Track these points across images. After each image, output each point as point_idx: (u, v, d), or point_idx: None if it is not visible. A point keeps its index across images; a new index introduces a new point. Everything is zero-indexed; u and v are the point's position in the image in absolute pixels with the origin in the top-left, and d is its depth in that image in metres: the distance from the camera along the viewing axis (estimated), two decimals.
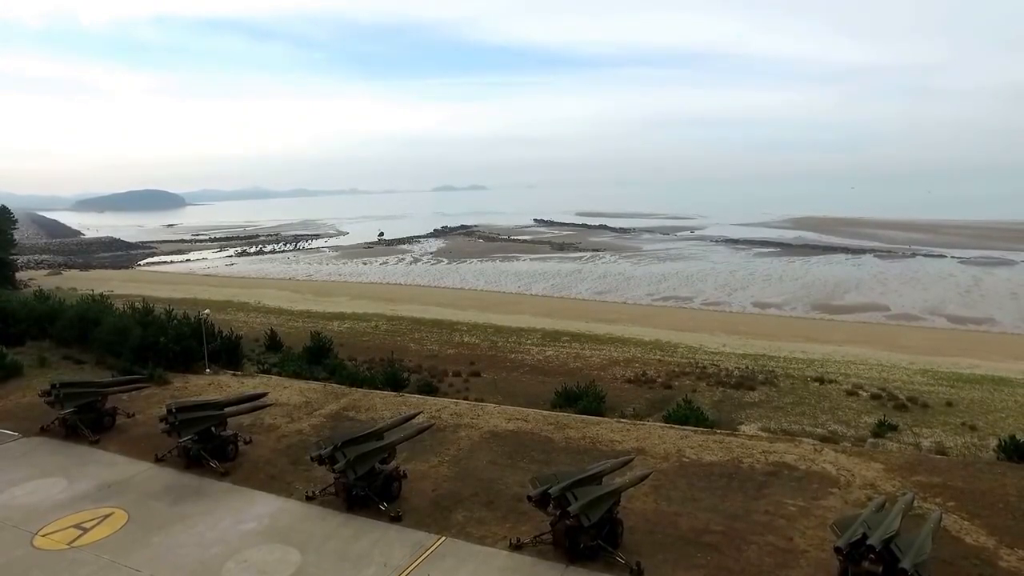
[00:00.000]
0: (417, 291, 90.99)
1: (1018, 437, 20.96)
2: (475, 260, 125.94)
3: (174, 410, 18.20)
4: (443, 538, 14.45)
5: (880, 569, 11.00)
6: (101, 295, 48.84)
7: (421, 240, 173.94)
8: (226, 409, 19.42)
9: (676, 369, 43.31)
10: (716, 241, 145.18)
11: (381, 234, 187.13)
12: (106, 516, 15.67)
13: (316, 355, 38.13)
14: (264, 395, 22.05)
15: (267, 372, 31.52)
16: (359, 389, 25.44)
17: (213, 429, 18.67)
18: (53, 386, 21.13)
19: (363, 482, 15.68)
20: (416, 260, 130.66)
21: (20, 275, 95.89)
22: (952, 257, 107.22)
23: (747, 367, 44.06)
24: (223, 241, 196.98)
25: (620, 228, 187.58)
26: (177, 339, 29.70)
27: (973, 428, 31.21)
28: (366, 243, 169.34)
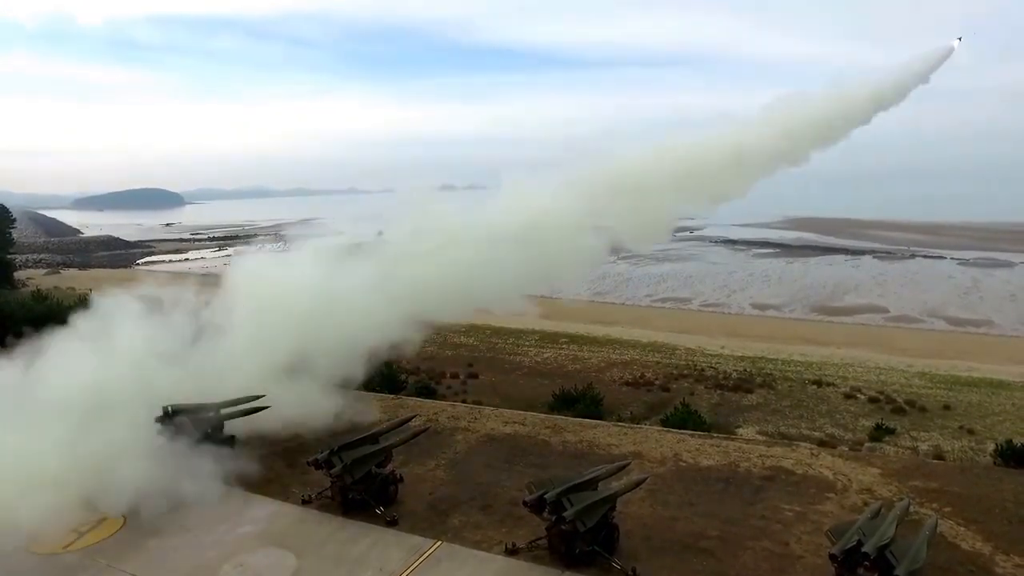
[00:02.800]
0: None
1: (1015, 441, 21.02)
2: None
3: (170, 411, 18.12)
4: (439, 542, 14.44)
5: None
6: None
7: None
8: (222, 412, 19.29)
9: (674, 371, 43.37)
10: (715, 242, 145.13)
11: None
12: (102, 519, 15.62)
13: None
14: (261, 396, 21.70)
15: None
16: (356, 391, 25.39)
17: (210, 431, 18.64)
18: None
19: (359, 486, 15.67)
20: None
21: (18, 274, 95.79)
22: (952, 259, 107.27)
23: (745, 369, 44.12)
24: (222, 240, 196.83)
25: None
26: None
27: (971, 432, 31.28)
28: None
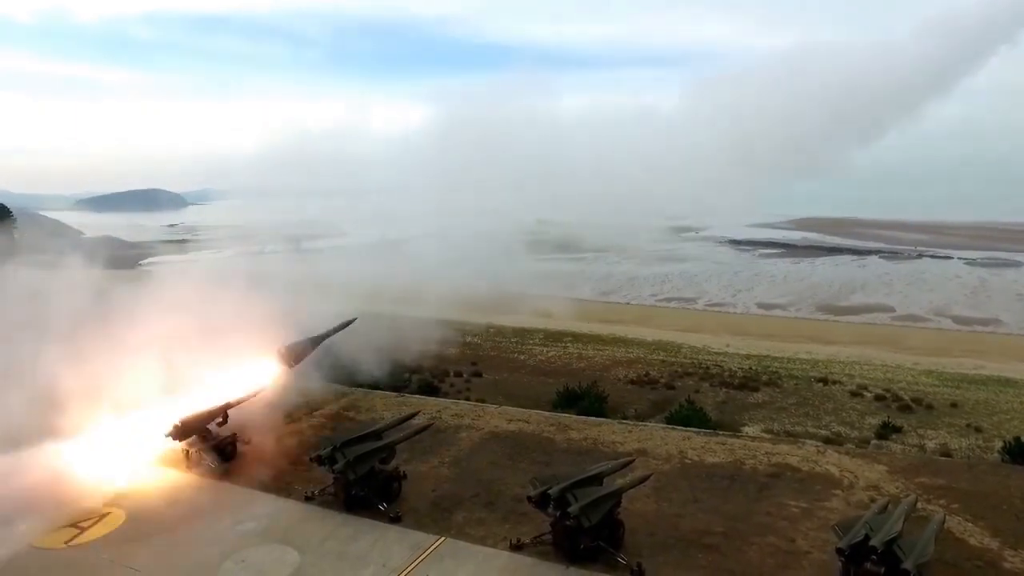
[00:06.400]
0: None
1: (1023, 439, 20.81)
2: None
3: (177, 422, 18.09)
4: (443, 539, 14.36)
5: (882, 570, 10.92)
6: None
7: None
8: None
9: (679, 370, 43.12)
10: (720, 242, 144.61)
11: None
12: (104, 515, 15.61)
13: None
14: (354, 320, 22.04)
15: None
16: (359, 389, 25.36)
17: (211, 428, 18.63)
18: None
19: (362, 482, 15.60)
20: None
21: None
22: (958, 258, 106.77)
23: (751, 368, 43.88)
24: (224, 240, 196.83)
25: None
26: None
27: (978, 430, 31.04)
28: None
